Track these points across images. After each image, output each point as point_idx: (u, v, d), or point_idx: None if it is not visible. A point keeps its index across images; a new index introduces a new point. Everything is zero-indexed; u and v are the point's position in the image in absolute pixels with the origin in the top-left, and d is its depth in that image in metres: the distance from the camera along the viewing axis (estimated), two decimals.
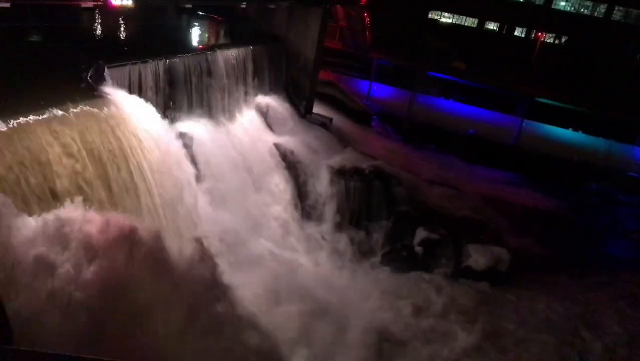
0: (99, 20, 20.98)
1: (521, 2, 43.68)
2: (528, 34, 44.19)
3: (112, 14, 22.08)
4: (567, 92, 33.37)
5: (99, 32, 20.03)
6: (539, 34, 41.17)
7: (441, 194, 23.06)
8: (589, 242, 24.35)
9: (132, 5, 15.55)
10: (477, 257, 19.37)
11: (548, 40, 42.84)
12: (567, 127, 33.40)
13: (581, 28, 41.20)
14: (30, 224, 8.67)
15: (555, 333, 16.84)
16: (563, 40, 43.93)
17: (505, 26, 45.00)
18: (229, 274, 11.94)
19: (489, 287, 18.91)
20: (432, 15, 45.74)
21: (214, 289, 10.96)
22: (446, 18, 46.02)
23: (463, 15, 45.21)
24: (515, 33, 44.89)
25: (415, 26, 41.86)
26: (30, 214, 8.88)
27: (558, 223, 25.07)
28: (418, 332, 15.70)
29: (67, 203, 9.54)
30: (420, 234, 19.85)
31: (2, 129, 8.67)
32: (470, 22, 45.46)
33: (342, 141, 24.70)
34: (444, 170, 27.38)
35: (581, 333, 16.93)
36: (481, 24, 45.25)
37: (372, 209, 20.84)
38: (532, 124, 33.43)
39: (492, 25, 45.68)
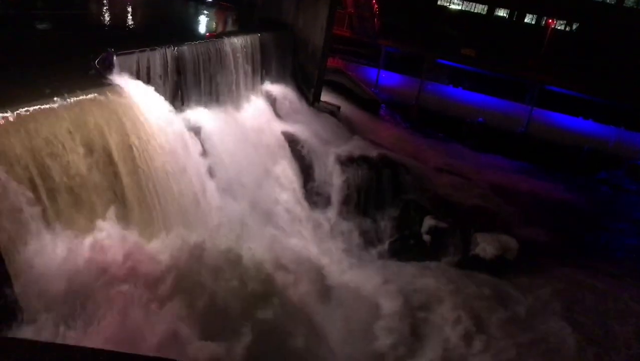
0: (108, 8, 20.96)
1: None
2: (538, 20, 43.71)
3: (120, 2, 22.08)
4: (578, 80, 33.03)
5: (107, 19, 20.00)
6: (550, 20, 40.65)
7: (449, 182, 22.99)
8: (598, 231, 24.22)
9: None
10: (485, 246, 19.32)
11: (559, 27, 42.33)
12: (577, 115, 33.08)
13: (593, 15, 40.65)
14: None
15: (562, 322, 16.80)
16: (574, 27, 43.41)
17: (516, 13, 44.52)
18: None
19: (496, 276, 18.81)
20: (442, 2, 45.32)
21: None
22: (455, 5, 45.60)
23: (473, 1, 44.74)
24: (526, 20, 44.41)
25: (424, 13, 41.50)
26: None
27: (567, 212, 24.95)
28: (423, 320, 15.68)
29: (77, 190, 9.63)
30: (428, 222, 19.81)
31: (10, 118, 8.65)
32: (480, 8, 45.01)
33: (350, 129, 24.63)
34: (452, 158, 27.29)
35: (589, 324, 16.85)
36: (491, 10, 44.79)
37: (379, 198, 20.80)
38: (541, 112, 33.16)
39: (502, 12, 45.20)
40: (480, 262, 19.12)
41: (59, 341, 7.89)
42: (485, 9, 44.67)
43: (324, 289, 14.55)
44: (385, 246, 19.38)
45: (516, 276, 19.04)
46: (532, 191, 26.25)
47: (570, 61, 36.97)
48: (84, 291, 8.81)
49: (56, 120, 9.50)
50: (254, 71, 20.10)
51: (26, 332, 7.76)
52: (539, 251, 20.68)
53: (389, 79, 35.06)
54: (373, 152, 21.74)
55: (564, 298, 18.08)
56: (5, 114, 8.47)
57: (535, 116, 32.90)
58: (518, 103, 33.74)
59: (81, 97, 10.25)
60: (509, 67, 34.14)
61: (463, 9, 45.30)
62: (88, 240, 9.58)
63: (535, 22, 43.83)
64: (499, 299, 17.59)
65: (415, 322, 15.58)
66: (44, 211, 8.92)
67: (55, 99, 9.55)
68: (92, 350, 2.22)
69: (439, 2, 45.04)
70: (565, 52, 38.15)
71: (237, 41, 18.50)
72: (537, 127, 32.32)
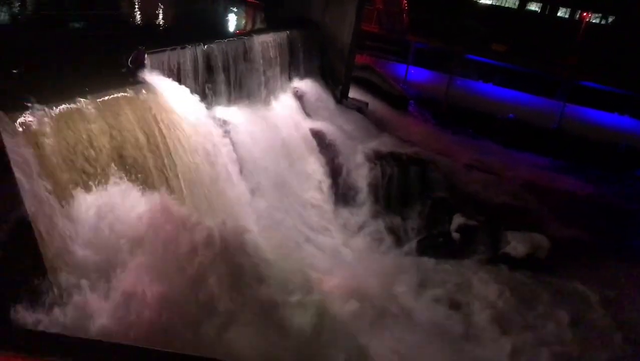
0: (138, 7, 21.30)
1: None
2: (572, 14, 42.70)
3: (150, 0, 22.43)
4: (613, 74, 32.11)
5: (138, 18, 20.32)
6: (584, 14, 39.64)
7: (479, 179, 22.66)
8: (635, 230, 23.53)
9: None
10: (516, 244, 19.02)
11: (594, 21, 41.25)
12: (612, 111, 32.17)
13: (629, 8, 39.48)
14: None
15: (595, 324, 16.44)
16: (609, 20, 42.27)
17: (548, 7, 43.58)
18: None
19: (527, 274, 18.51)
20: None
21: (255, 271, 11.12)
22: None
23: None
24: (559, 14, 43.44)
25: (454, 8, 40.93)
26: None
27: (602, 210, 24.29)
28: (452, 320, 15.54)
29: (111, 185, 9.86)
30: (458, 220, 19.60)
31: (45, 117, 8.88)
32: (511, 2, 44.23)
33: (378, 125, 24.51)
34: (482, 155, 26.86)
35: (622, 326, 16.44)
36: (523, 4, 43.96)
37: (408, 195, 20.67)
38: (575, 108, 32.34)
39: (534, 6, 44.31)
40: (510, 260, 18.83)
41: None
42: (517, 3, 43.86)
43: (351, 287, 14.51)
44: (414, 244, 19.22)
45: (548, 275, 18.67)
46: (564, 188, 25.66)
47: (605, 55, 35.97)
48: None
49: (89, 118, 9.73)
50: (282, 69, 20.18)
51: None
52: (572, 250, 20.22)
53: (418, 75, 34.71)
54: (401, 149, 21.60)
55: (598, 297, 17.68)
56: (43, 113, 8.71)
57: (568, 112, 32.13)
58: (550, 99, 32.98)
59: (113, 95, 10.48)
60: (541, 63, 33.41)
61: (494, 3, 44.57)
62: None
63: (569, 16, 42.83)
64: (531, 297, 17.31)
65: (444, 321, 15.47)
66: None
67: (88, 97, 9.79)
68: (124, 345, 2.25)
69: None
70: (600, 47, 37.11)
71: (266, 39, 18.60)
72: (570, 124, 31.56)
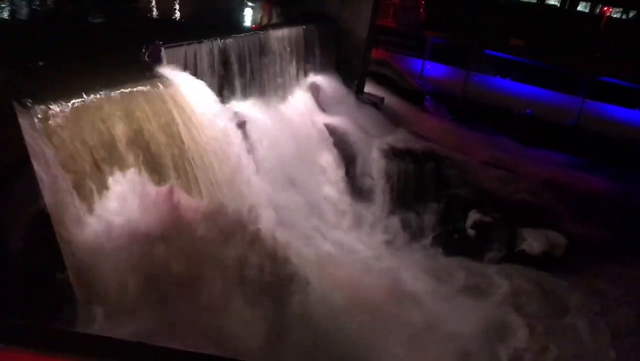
0: (156, 1, 21.41)
1: None
2: (592, 8, 42.04)
3: None
4: (635, 70, 31.57)
5: (155, 12, 20.43)
6: (605, 8, 39.01)
7: (496, 176, 22.47)
8: None
9: None
10: (532, 241, 18.84)
11: (615, 16, 40.58)
12: (633, 107, 31.65)
13: None
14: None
15: (613, 323, 16.24)
16: (631, 15, 41.53)
17: (568, 1, 42.96)
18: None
19: (543, 272, 18.35)
20: None
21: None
22: None
23: None
24: (579, 8, 42.81)
25: (471, 3, 40.53)
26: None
27: (621, 209, 23.92)
28: (466, 317, 15.46)
29: (128, 177, 9.98)
30: (473, 217, 19.45)
31: (63, 111, 8.98)
32: None
33: (394, 120, 24.40)
34: (499, 152, 26.64)
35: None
36: None
37: (423, 191, 20.56)
38: (594, 104, 31.87)
39: (553, 0, 43.71)
40: (526, 258, 18.67)
41: None
42: None
43: (363, 282, 14.51)
44: (429, 240, 19.16)
45: (564, 273, 18.49)
46: (582, 185, 25.32)
47: (626, 50, 35.36)
48: None
49: (106, 111, 9.82)
50: (298, 63, 20.17)
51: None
52: (589, 249, 19.99)
53: (434, 70, 34.46)
54: (417, 145, 21.48)
55: (616, 296, 17.48)
56: (62, 106, 8.81)
57: (587, 108, 31.64)
58: (568, 95, 32.52)
59: (131, 89, 10.56)
60: (560, 58, 32.95)
61: None
62: None
63: (589, 10, 42.18)
64: (546, 295, 17.17)
65: (455, 310, 15.41)
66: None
67: (105, 90, 9.88)
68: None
69: None
70: (622, 42, 36.51)
71: (282, 33, 18.60)
72: (589, 120, 31.07)
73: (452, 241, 19.14)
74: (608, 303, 17.19)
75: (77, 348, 2.15)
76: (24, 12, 16.20)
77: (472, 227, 19.26)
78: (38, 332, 2.30)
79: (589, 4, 41.95)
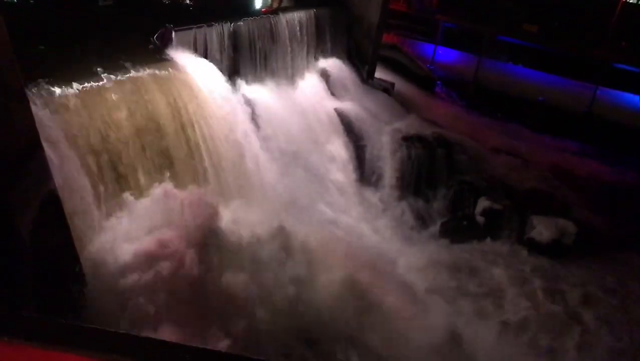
0: None
1: None
2: None
3: None
4: None
5: None
6: None
7: (506, 163, 22.32)
8: None
9: None
10: (542, 229, 18.73)
11: (631, 1, 39.80)
12: None
13: None
14: None
15: (621, 312, 16.19)
16: None
17: None
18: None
19: (552, 260, 18.30)
20: None
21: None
22: None
23: None
24: None
25: None
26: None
27: (633, 198, 23.71)
28: (473, 303, 15.46)
29: (138, 160, 10.01)
30: (483, 203, 19.35)
31: (74, 94, 8.98)
32: None
33: (405, 106, 24.21)
34: (510, 138, 26.40)
35: None
36: None
37: (433, 177, 20.45)
38: (607, 91, 31.43)
39: None
40: (536, 245, 18.60)
41: None
42: None
43: (372, 268, 14.47)
44: (438, 226, 19.09)
45: (574, 261, 18.42)
46: (594, 174, 25.10)
47: None
48: None
49: (116, 94, 9.82)
50: (308, 47, 20.01)
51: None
52: (599, 237, 19.88)
53: (446, 55, 34.10)
54: (427, 131, 21.34)
55: (624, 287, 17.40)
56: (72, 90, 8.82)
57: (600, 96, 31.19)
58: (581, 82, 32.07)
59: (141, 73, 10.54)
60: (574, 44, 32.43)
61: None
62: None
63: None
64: (555, 282, 17.13)
65: (466, 302, 15.41)
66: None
67: (115, 74, 9.86)
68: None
69: None
70: (637, 28, 35.81)
71: (293, 17, 18.44)
72: (602, 107, 30.65)
73: (461, 228, 19.07)
74: (617, 292, 17.11)
75: (83, 343, 2.14)
76: None
77: (482, 214, 19.17)
78: (46, 326, 2.28)
79: None
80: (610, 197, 23.34)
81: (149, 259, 9.05)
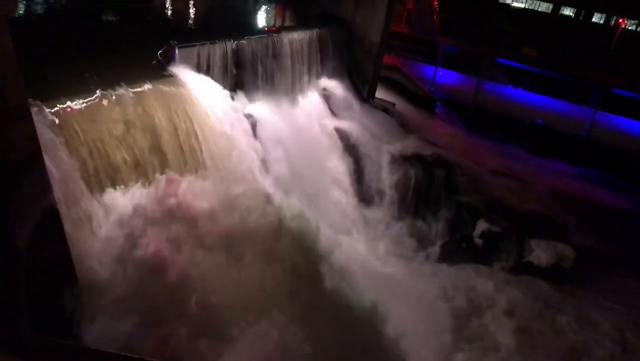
0: (171, 2, 21.49)
1: None
2: (607, 20, 41.74)
3: None
4: None
5: (169, 12, 20.49)
6: (620, 20, 38.70)
7: (505, 185, 22.32)
8: None
9: None
10: (540, 253, 18.69)
11: (630, 28, 40.28)
12: None
13: None
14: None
15: (620, 341, 16.05)
16: None
17: (583, 12, 42.67)
18: None
19: (550, 285, 18.19)
20: None
21: None
22: (518, 3, 44.17)
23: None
24: (594, 19, 42.51)
25: (485, 11, 40.38)
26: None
27: (631, 224, 23.71)
28: (469, 328, 15.33)
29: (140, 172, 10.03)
30: (481, 226, 19.32)
31: (73, 107, 9.02)
32: (544, 7, 43.40)
33: (405, 126, 24.30)
34: (509, 161, 26.49)
35: None
36: (556, 9, 43.10)
37: (432, 198, 20.44)
38: (606, 115, 31.60)
39: (568, 11, 43.43)
40: (534, 269, 18.53)
41: None
42: (550, 7, 43.01)
43: (369, 288, 14.38)
44: (436, 247, 19.03)
45: (571, 286, 18.34)
46: (592, 198, 25.14)
47: None
48: None
49: (119, 108, 9.86)
50: (310, 66, 20.16)
51: None
52: (597, 262, 19.83)
53: (446, 77, 34.37)
54: (427, 152, 21.38)
55: (623, 313, 17.28)
56: (78, 102, 8.87)
57: (599, 120, 31.40)
58: (581, 106, 32.27)
59: (144, 87, 10.61)
60: (573, 68, 32.70)
61: (526, 7, 43.82)
62: None
63: (604, 22, 41.88)
64: (552, 307, 17.00)
65: (462, 324, 15.27)
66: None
67: (119, 88, 9.92)
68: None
69: (501, 0, 43.72)
70: (636, 54, 36.18)
71: (295, 36, 18.60)
72: (600, 132, 30.85)
73: (459, 250, 19.01)
74: (616, 318, 16.98)
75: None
76: (40, 8, 16.31)
77: (480, 236, 19.13)
78: (38, 344, 2.27)
79: (604, 15, 41.64)
80: (609, 222, 23.34)
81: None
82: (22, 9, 15.20)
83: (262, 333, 9.45)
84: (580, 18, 42.42)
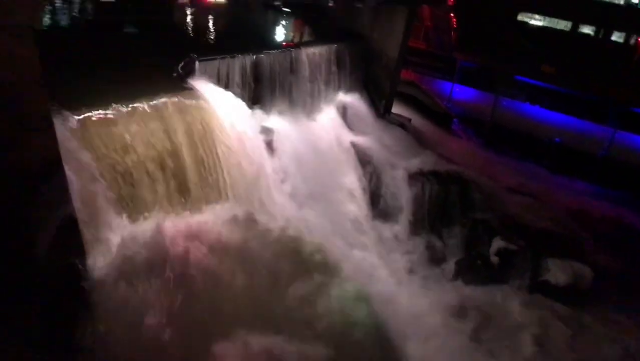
0: (192, 16, 21.83)
1: (622, 5, 40.85)
2: (627, 38, 41.35)
3: (203, 10, 22.97)
4: None
5: (190, 26, 20.80)
6: None
7: (522, 203, 22.07)
8: None
9: (225, 1, 16.01)
10: (557, 272, 18.39)
11: None
12: None
13: None
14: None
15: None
16: None
17: (602, 30, 42.35)
18: None
19: (567, 306, 17.83)
20: (522, 17, 43.80)
21: None
22: (537, 20, 43.96)
23: (556, 17, 42.96)
24: (613, 38, 42.15)
25: (503, 28, 40.29)
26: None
27: None
28: (486, 343, 15.12)
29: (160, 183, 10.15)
30: (497, 243, 19.10)
31: (96, 118, 9.17)
32: (563, 25, 43.14)
33: (421, 142, 24.27)
34: (526, 178, 26.21)
35: None
36: (575, 27, 42.83)
37: (447, 215, 20.29)
38: (625, 135, 31.21)
39: (587, 29, 43.14)
40: (550, 289, 18.21)
41: None
42: (569, 25, 42.74)
43: (381, 304, 14.26)
44: (451, 265, 18.85)
45: (589, 307, 17.97)
46: (611, 217, 24.70)
47: None
48: None
49: (141, 119, 10.00)
50: (327, 81, 20.27)
51: None
52: (615, 283, 19.40)
53: (463, 93, 34.27)
54: (443, 168, 21.29)
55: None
56: (102, 112, 9.03)
57: (618, 139, 31.02)
58: (599, 124, 31.91)
59: (165, 100, 10.75)
60: (592, 87, 32.41)
61: (545, 24, 43.58)
62: None
63: (624, 41, 41.50)
64: (570, 328, 16.69)
65: (477, 344, 15.06)
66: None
67: (140, 100, 10.06)
68: None
69: (519, 17, 43.56)
70: None
71: (313, 51, 18.74)
72: (619, 151, 30.43)
73: (475, 268, 18.78)
74: (636, 342, 16.61)
75: None
76: (63, 20, 16.67)
77: (496, 254, 18.91)
78: None
79: (623, 34, 41.32)
80: (629, 242, 22.91)
81: None
82: (47, 21, 15.53)
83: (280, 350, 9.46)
84: (600, 36, 42.12)
